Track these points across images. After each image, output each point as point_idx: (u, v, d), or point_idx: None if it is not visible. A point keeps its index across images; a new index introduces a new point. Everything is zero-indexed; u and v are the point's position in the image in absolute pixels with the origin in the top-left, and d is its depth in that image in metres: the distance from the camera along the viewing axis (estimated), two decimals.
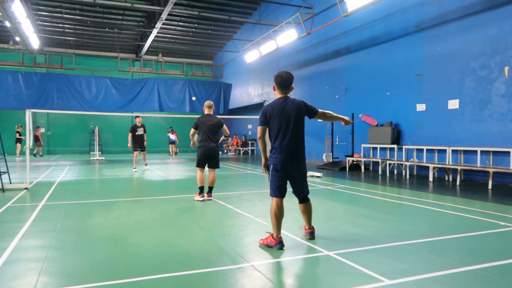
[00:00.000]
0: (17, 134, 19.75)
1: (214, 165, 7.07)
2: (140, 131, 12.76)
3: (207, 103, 7.20)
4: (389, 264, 3.48)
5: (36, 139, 21.16)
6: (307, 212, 4.36)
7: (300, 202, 4.37)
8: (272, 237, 4.00)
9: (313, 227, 4.42)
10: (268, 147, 4.14)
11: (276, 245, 3.93)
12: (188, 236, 4.53)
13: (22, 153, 19.74)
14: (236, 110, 26.17)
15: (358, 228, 4.82)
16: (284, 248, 3.93)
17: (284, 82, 4.40)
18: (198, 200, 6.91)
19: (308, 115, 4.33)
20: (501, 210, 6.00)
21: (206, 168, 7.14)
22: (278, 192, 4.07)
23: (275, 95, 4.43)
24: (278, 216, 4.02)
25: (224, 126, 7.14)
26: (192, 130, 7.07)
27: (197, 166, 7.07)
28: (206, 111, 7.11)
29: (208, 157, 6.99)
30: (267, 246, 3.99)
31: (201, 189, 7.01)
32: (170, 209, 6.23)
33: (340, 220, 5.37)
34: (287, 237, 4.40)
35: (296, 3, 17.05)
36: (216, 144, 7.00)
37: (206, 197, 6.99)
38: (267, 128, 4.13)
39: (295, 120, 4.12)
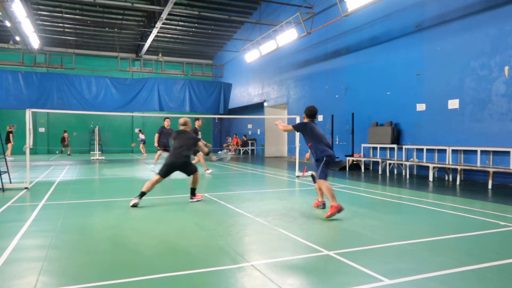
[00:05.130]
0: (11, 135, 19.61)
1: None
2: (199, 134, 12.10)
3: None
4: (389, 264, 3.49)
5: (63, 140, 23.44)
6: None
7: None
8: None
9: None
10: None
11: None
12: (188, 235, 4.53)
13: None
14: (236, 110, 26.17)
15: (358, 228, 4.82)
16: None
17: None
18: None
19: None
20: (501, 210, 6.00)
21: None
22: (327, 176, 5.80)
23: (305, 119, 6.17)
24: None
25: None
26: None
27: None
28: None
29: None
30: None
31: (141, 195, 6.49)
32: (170, 208, 6.23)
33: (340, 220, 5.37)
34: (287, 237, 4.41)
35: (296, 3, 17.05)
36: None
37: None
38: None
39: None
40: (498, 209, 6.04)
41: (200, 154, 12.24)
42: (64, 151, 24.12)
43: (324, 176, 5.69)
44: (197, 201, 6.78)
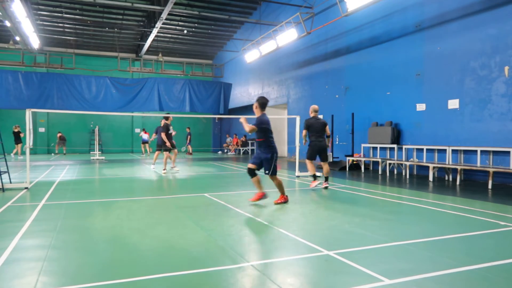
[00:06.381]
0: (21, 134, 19.78)
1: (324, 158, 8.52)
2: (171, 130, 12.40)
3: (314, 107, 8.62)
4: (389, 264, 3.49)
5: (63, 139, 23.94)
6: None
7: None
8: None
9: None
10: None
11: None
12: (188, 235, 4.53)
13: (23, 152, 19.93)
14: (236, 109, 26.17)
15: (358, 228, 4.82)
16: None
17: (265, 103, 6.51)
18: (316, 186, 8.30)
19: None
20: (501, 210, 6.00)
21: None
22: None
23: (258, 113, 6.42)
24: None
25: (327, 127, 8.51)
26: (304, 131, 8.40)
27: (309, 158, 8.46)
28: (313, 114, 8.51)
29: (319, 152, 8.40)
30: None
31: (314, 176, 8.45)
32: (170, 208, 6.23)
33: (340, 220, 5.37)
34: (287, 237, 4.41)
35: (296, 3, 17.05)
36: (323, 139, 8.45)
37: (323, 185, 8.33)
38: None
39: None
40: (498, 209, 6.04)
41: (175, 151, 12.34)
42: (59, 150, 24.29)
43: (275, 172, 6.40)
44: (326, 188, 8.26)
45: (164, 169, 11.97)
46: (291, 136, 18.96)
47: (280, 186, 6.45)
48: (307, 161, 8.53)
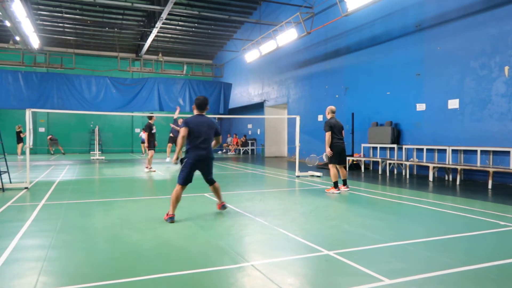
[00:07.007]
0: (21, 134, 19.81)
1: (343, 161, 8.24)
2: (154, 129, 12.73)
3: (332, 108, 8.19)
4: (389, 264, 3.49)
5: (52, 139, 24.11)
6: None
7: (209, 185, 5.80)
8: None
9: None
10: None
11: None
12: (188, 235, 4.53)
13: (23, 152, 19.95)
14: (236, 109, 26.16)
15: (358, 228, 4.82)
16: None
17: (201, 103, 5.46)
18: (333, 193, 7.76)
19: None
20: (501, 209, 6.00)
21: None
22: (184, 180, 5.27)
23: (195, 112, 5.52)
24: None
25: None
26: (328, 134, 7.88)
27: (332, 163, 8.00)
28: (331, 115, 8.12)
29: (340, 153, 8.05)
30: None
31: (336, 184, 7.86)
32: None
33: (340, 220, 5.37)
34: (287, 237, 4.41)
35: (296, 3, 17.05)
36: (343, 141, 8.24)
37: (344, 188, 8.08)
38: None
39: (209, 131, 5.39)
40: (498, 209, 6.04)
41: (151, 151, 12.43)
42: (56, 151, 24.38)
43: (182, 181, 5.23)
44: (347, 190, 8.01)
45: (150, 167, 12.33)
46: (291, 136, 18.96)
47: (175, 199, 5.23)
48: (331, 166, 7.95)
